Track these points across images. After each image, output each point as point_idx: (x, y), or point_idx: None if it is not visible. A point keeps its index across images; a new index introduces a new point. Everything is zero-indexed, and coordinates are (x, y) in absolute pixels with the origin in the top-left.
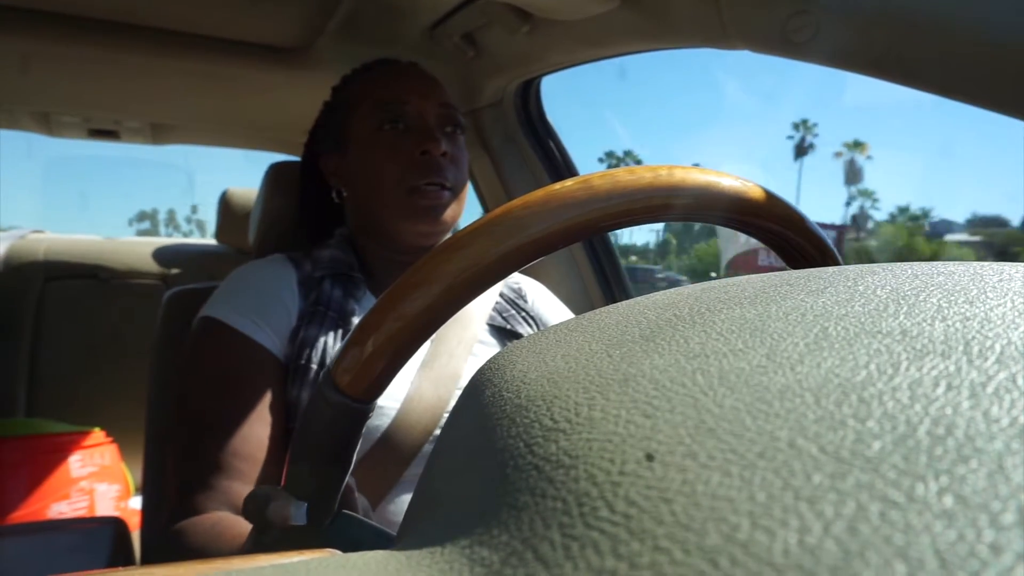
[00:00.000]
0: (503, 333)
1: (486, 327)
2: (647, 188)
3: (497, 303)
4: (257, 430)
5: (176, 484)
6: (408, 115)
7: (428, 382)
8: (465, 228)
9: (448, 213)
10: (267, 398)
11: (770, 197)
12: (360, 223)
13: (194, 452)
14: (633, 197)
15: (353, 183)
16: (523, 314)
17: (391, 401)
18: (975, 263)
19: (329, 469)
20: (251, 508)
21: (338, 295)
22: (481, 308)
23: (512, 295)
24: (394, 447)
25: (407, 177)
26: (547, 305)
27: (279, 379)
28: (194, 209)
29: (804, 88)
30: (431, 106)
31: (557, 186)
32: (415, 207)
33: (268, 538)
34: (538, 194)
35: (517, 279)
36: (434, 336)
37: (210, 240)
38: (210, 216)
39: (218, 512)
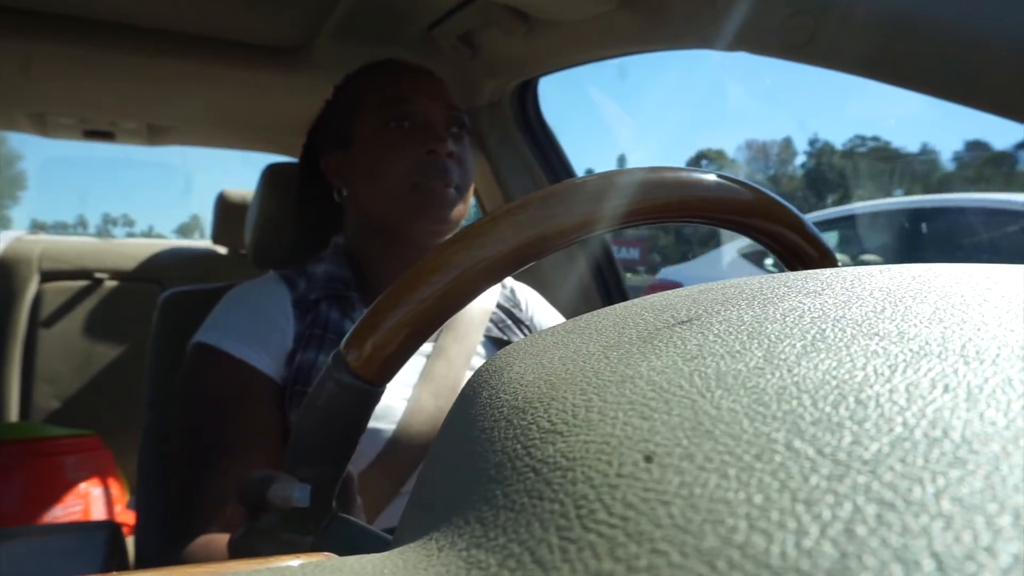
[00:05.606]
0: (500, 344)
1: (484, 339)
2: (689, 185)
3: (494, 314)
4: (257, 454)
5: (177, 509)
6: (414, 114)
7: (427, 394)
8: (489, 214)
9: (455, 211)
10: (266, 421)
11: (768, 198)
12: (362, 223)
13: (195, 477)
14: (675, 193)
15: (356, 181)
16: (520, 325)
17: (392, 414)
18: (972, 265)
19: (332, 452)
20: (249, 491)
21: (335, 317)
22: (479, 319)
23: (508, 304)
24: (394, 460)
25: (412, 175)
26: (542, 312)
27: (277, 402)
28: (34, 222)
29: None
30: (438, 107)
31: (579, 179)
32: (421, 203)
33: (263, 524)
34: (558, 187)
35: (512, 285)
36: (433, 349)
37: (206, 242)
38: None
39: (210, 534)
